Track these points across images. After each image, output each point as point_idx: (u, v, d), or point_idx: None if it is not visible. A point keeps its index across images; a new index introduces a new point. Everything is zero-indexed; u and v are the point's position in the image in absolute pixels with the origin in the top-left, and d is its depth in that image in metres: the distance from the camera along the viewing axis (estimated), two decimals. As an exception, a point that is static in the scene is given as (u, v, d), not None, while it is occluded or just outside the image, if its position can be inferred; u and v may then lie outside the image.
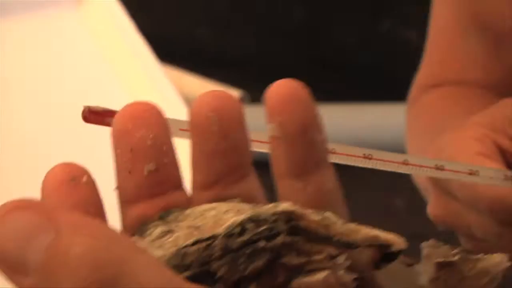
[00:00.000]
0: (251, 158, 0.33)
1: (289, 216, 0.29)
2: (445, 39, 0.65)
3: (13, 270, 0.26)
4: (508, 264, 0.33)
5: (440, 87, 0.63)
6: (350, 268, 0.30)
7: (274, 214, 0.29)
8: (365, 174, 0.49)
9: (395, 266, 0.33)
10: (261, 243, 0.29)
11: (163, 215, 0.32)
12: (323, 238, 0.30)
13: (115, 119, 0.32)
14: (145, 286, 0.25)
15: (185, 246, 0.29)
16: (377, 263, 0.30)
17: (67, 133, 0.85)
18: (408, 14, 1.40)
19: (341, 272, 0.29)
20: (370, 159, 0.38)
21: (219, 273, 0.29)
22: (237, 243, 0.29)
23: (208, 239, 0.29)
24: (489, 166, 0.45)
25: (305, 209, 0.30)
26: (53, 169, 0.32)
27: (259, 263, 0.28)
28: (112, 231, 0.26)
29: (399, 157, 0.39)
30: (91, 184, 0.32)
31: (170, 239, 0.30)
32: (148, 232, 0.31)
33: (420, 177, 0.55)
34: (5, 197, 0.27)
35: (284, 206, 0.29)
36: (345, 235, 0.30)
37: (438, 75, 0.64)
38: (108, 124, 0.33)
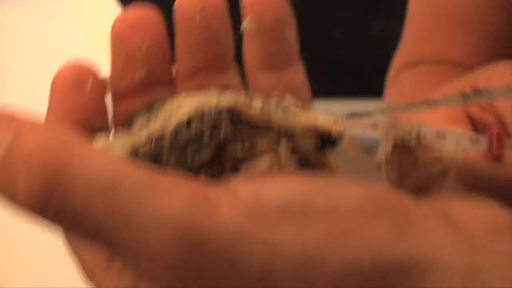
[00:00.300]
0: (232, 51, 0.34)
1: (231, 110, 0.30)
2: (423, 20, 0.65)
3: None
4: (461, 155, 0.34)
5: (417, 66, 0.63)
6: (292, 151, 0.31)
7: (217, 109, 0.31)
8: None
9: (355, 153, 0.34)
10: (206, 137, 0.30)
11: (147, 107, 0.33)
12: (264, 128, 0.31)
13: (113, 25, 0.33)
14: (92, 175, 0.27)
15: (138, 144, 0.31)
16: (323, 147, 0.32)
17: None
18: (402, 15, 1.40)
19: (283, 156, 0.31)
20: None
21: (169, 165, 0.30)
22: (184, 138, 0.30)
23: (158, 136, 0.31)
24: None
25: (254, 97, 0.32)
26: (61, 69, 0.33)
27: (206, 154, 0.30)
28: (67, 132, 0.28)
29: (369, 121, 0.39)
30: (96, 88, 0.33)
31: (144, 132, 0.32)
32: (134, 123, 0.33)
33: None
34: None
35: (226, 99, 0.31)
36: (284, 124, 0.31)
37: (416, 54, 0.65)
38: None
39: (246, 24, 0.34)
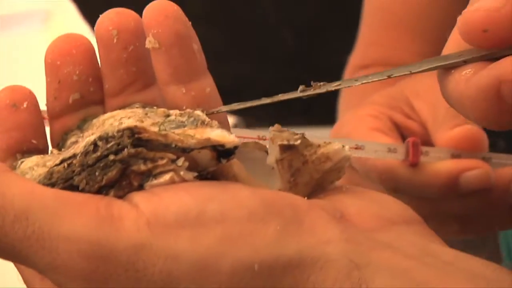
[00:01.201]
0: (152, 69, 0.36)
1: (132, 131, 0.33)
2: (375, 23, 0.66)
3: None
4: (348, 152, 0.36)
5: (369, 67, 0.65)
6: (190, 166, 0.34)
7: (119, 131, 0.33)
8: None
9: (257, 153, 0.38)
10: (111, 157, 0.33)
11: (79, 125, 0.36)
12: (163, 145, 0.34)
13: (47, 52, 0.35)
14: (5, 204, 0.30)
15: (54, 166, 0.34)
16: (224, 159, 0.34)
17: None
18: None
19: (183, 172, 0.33)
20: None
21: (81, 186, 0.33)
22: (92, 159, 0.33)
23: (69, 158, 0.33)
24: (378, 141, 0.48)
25: (156, 116, 0.35)
26: None
27: (112, 173, 0.33)
28: None
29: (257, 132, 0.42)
30: (32, 109, 0.35)
31: (72, 150, 0.34)
32: (66, 142, 0.36)
33: None
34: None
35: (127, 122, 0.34)
36: (180, 142, 0.34)
37: (368, 56, 0.65)
38: None
39: (148, 42, 0.36)
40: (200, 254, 0.30)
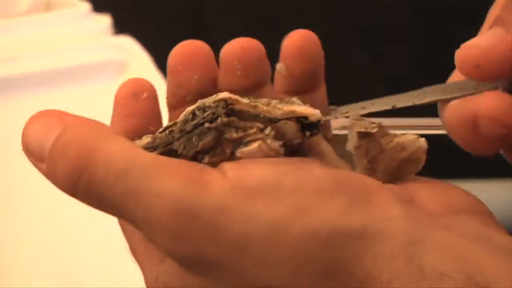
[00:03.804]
0: (268, 74, 0.41)
1: (226, 102, 0.37)
2: None
3: (36, 159, 0.37)
4: (424, 143, 0.39)
5: None
6: (277, 136, 0.38)
7: (215, 101, 0.38)
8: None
9: (341, 137, 0.41)
10: (207, 124, 0.37)
11: None
12: (253, 116, 0.38)
13: (170, 56, 0.40)
14: (111, 160, 0.35)
15: (157, 133, 0.38)
16: (308, 132, 0.38)
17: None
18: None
19: (269, 141, 0.37)
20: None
21: (179, 150, 0.37)
22: (190, 126, 0.37)
23: (171, 126, 0.38)
24: None
25: (241, 96, 0.38)
26: (122, 83, 0.40)
27: (207, 139, 0.37)
28: (102, 127, 0.37)
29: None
30: (151, 99, 0.40)
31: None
32: None
33: None
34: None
35: (222, 94, 0.38)
36: (268, 112, 0.38)
37: None
38: None
39: (279, 68, 0.41)
40: (273, 218, 0.34)
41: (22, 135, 0.38)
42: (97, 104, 0.96)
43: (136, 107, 0.39)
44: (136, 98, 0.40)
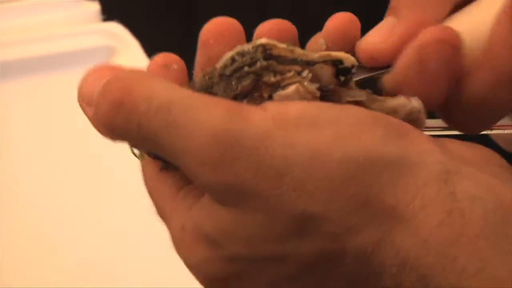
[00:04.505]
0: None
1: (264, 47, 0.38)
2: None
3: (86, 103, 0.39)
4: (417, 104, 0.39)
5: None
6: (313, 80, 0.38)
7: (253, 47, 0.38)
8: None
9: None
10: (246, 68, 0.38)
11: None
12: (290, 60, 0.38)
13: (202, 31, 0.42)
14: (152, 93, 0.36)
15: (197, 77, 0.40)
16: (342, 77, 0.39)
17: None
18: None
19: (306, 83, 0.38)
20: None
21: (219, 94, 0.38)
22: (229, 70, 0.38)
23: (210, 72, 0.39)
24: None
25: (279, 42, 0.39)
26: (154, 57, 0.42)
27: (246, 82, 0.38)
28: (143, 70, 0.39)
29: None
30: (180, 70, 0.42)
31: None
32: None
33: None
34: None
35: (261, 40, 0.39)
36: (305, 56, 0.39)
37: None
38: None
39: (320, 42, 0.42)
40: (314, 144, 0.35)
41: (78, 85, 0.40)
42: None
43: (166, 77, 0.41)
44: (166, 68, 0.41)
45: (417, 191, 0.35)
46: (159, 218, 0.41)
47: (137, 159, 0.42)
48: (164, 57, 0.42)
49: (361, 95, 0.40)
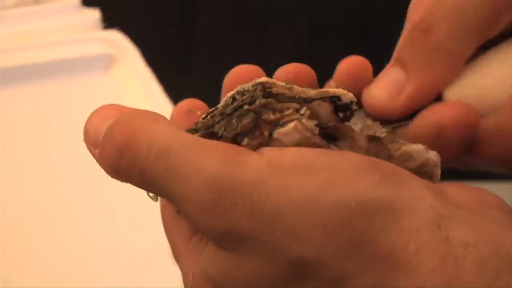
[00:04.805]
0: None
1: (263, 85, 0.39)
2: None
3: (92, 145, 0.40)
4: (433, 157, 0.40)
5: None
6: (312, 117, 0.39)
7: (253, 85, 0.39)
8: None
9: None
10: (246, 106, 0.38)
11: None
12: (289, 98, 0.39)
13: (226, 78, 0.44)
14: (153, 139, 0.37)
15: (201, 119, 0.40)
16: (341, 113, 0.40)
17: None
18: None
19: (305, 120, 0.38)
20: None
21: (220, 132, 0.39)
22: (230, 109, 0.39)
23: (212, 111, 0.40)
24: None
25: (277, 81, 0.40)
26: (179, 103, 0.44)
27: (246, 120, 0.38)
28: (150, 113, 0.39)
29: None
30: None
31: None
32: None
33: None
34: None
35: (260, 79, 0.39)
36: (303, 93, 0.39)
37: None
38: None
39: (331, 83, 0.43)
40: (307, 190, 0.35)
41: (84, 125, 0.41)
42: (85, 97, 0.97)
43: (189, 123, 0.41)
44: (190, 114, 0.43)
45: (411, 236, 0.35)
46: (173, 259, 0.42)
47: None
48: (188, 103, 0.43)
49: (382, 131, 0.40)
